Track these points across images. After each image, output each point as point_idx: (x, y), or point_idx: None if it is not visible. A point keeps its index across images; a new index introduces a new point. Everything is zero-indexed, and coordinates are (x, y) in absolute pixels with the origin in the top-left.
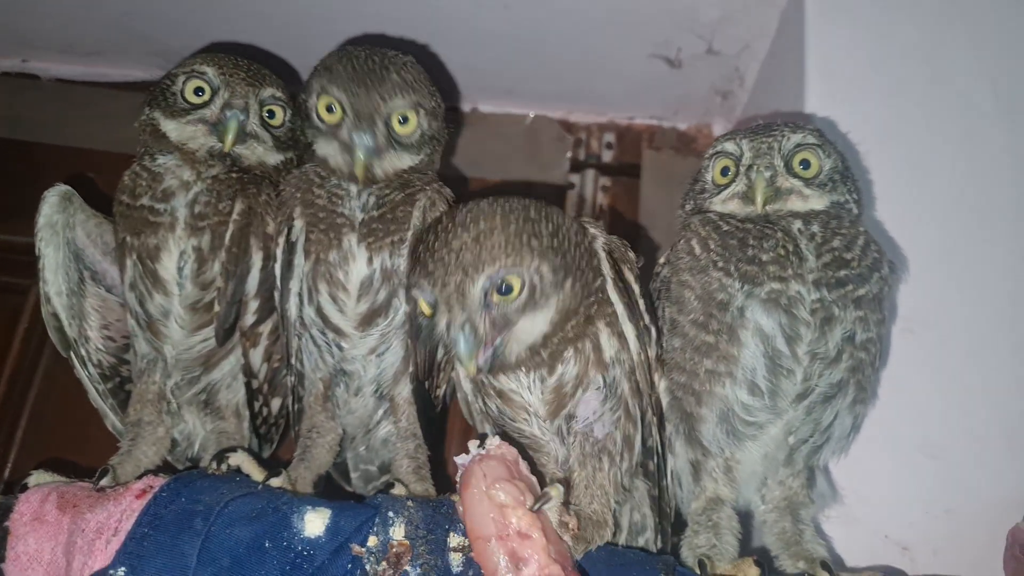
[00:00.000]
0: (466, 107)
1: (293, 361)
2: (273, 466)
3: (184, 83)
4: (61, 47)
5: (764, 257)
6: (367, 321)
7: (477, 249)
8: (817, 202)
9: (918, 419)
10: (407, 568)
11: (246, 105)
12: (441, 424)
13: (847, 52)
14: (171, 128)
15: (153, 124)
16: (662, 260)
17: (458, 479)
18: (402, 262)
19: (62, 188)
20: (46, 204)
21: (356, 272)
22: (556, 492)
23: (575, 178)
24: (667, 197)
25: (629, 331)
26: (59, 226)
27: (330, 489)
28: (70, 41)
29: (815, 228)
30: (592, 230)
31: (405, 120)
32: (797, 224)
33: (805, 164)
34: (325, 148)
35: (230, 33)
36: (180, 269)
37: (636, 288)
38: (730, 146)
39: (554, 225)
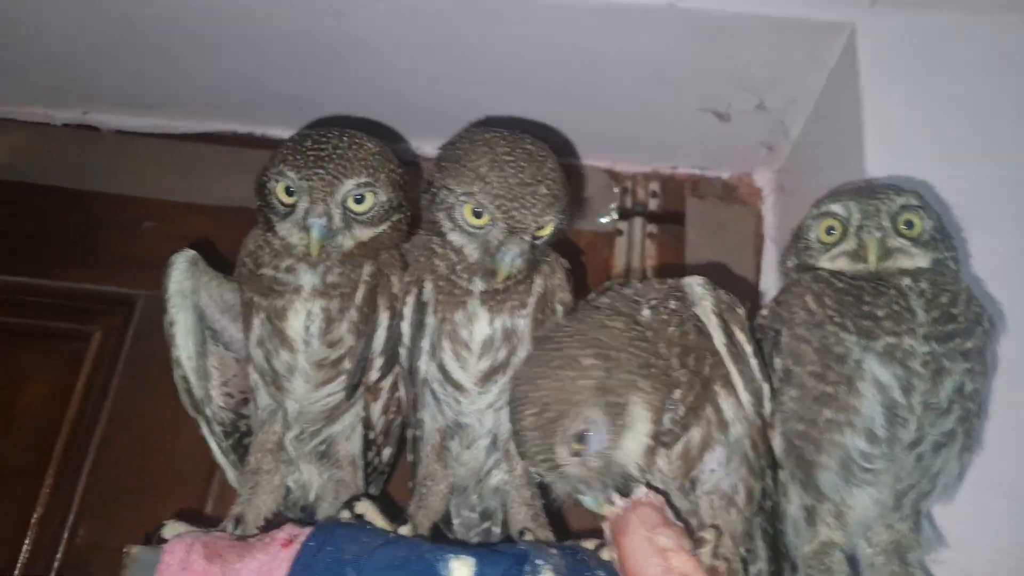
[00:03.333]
0: None
1: (420, 415)
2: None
3: (275, 186)
4: (122, 100)
5: (879, 312)
6: (487, 378)
7: (541, 424)
8: (922, 260)
9: (1004, 464)
10: None
11: (325, 209)
12: None
13: (903, 110)
14: (277, 224)
15: (265, 217)
16: (765, 312)
17: (606, 528)
18: (523, 323)
19: (189, 253)
20: (176, 270)
21: (479, 332)
22: (711, 536)
23: (623, 225)
24: (711, 243)
25: (743, 393)
26: (188, 291)
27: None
28: (131, 94)
29: (924, 285)
30: (698, 289)
31: (543, 228)
32: (906, 281)
33: (909, 224)
34: (460, 240)
35: (291, 87)
36: (307, 328)
37: (749, 348)
38: (837, 208)
39: (598, 349)
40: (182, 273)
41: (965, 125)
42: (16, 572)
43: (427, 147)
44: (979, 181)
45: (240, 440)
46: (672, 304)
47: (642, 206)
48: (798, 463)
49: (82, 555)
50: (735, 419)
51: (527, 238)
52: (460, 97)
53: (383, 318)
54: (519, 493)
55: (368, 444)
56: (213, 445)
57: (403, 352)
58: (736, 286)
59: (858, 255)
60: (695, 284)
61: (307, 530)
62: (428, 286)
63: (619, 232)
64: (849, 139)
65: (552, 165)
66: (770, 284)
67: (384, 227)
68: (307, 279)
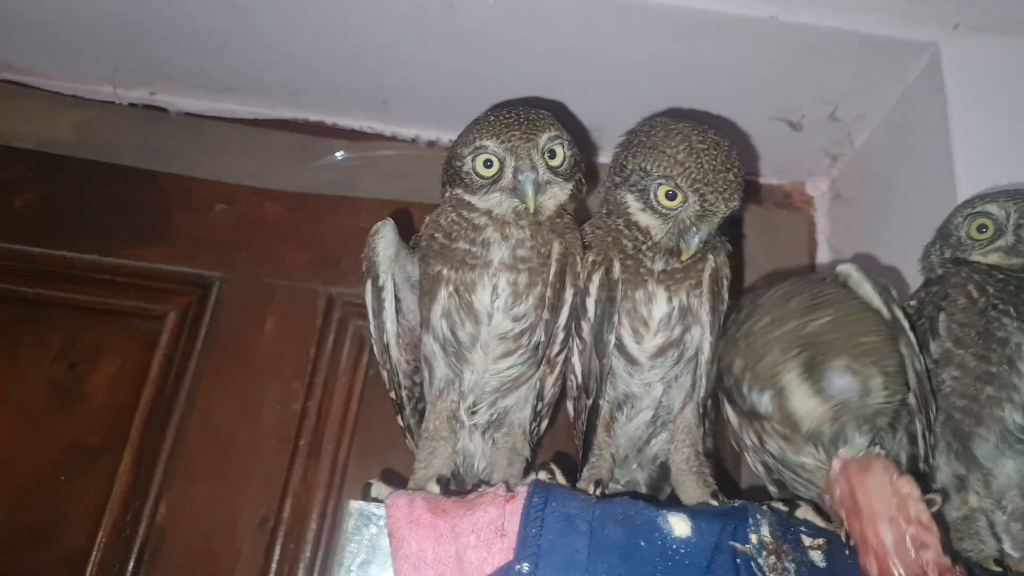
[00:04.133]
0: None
1: (604, 387)
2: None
3: (473, 161)
4: (193, 82)
5: None
6: (660, 353)
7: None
8: None
9: None
10: (787, 564)
11: (532, 163)
12: None
13: (989, 128)
14: (476, 200)
15: (458, 198)
16: (914, 302)
17: (837, 464)
18: (697, 301)
19: (391, 222)
20: (383, 238)
21: (658, 310)
22: (938, 499)
23: None
24: (767, 247)
25: (907, 364)
26: (392, 258)
27: None
28: (200, 76)
29: None
30: (855, 274)
31: (731, 207)
32: None
33: None
34: (648, 220)
35: (375, 71)
36: (493, 301)
37: (907, 324)
38: (994, 208)
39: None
40: (389, 240)
41: None
42: (96, 548)
43: None
44: None
45: (416, 406)
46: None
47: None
48: (955, 434)
49: (162, 533)
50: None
51: (716, 221)
52: (549, 95)
53: (568, 295)
54: (688, 463)
55: (535, 415)
56: (398, 408)
57: (586, 326)
58: None
59: (1015, 251)
60: (851, 270)
61: (523, 488)
62: (616, 264)
63: None
64: (928, 152)
65: (736, 155)
66: None
67: (572, 186)
68: (497, 253)
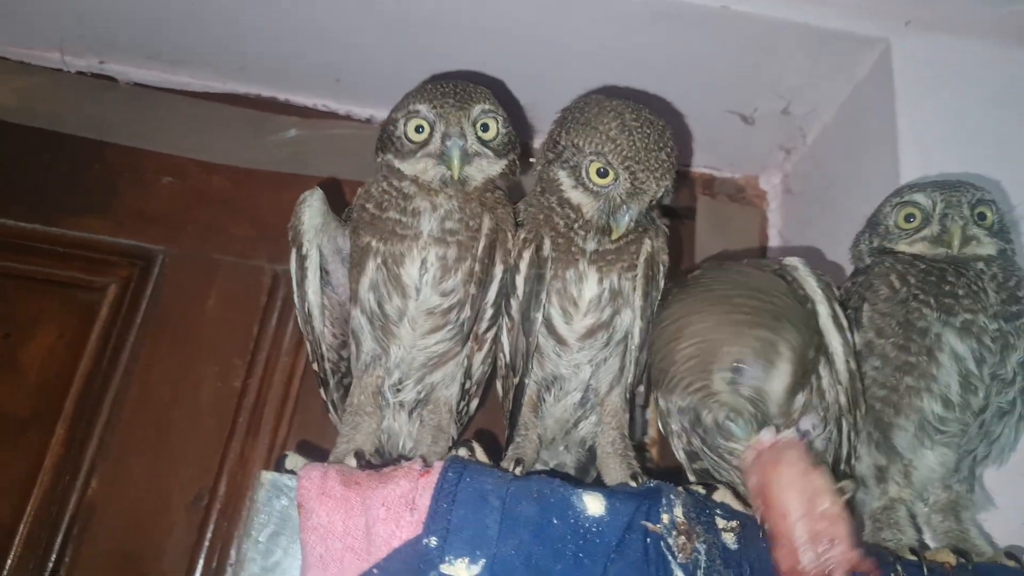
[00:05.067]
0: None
1: (531, 365)
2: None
3: (405, 125)
4: (144, 52)
5: (960, 292)
6: (589, 334)
7: (699, 354)
8: (991, 248)
9: None
10: (697, 544)
11: (462, 131)
12: None
13: (936, 123)
14: (405, 166)
15: (388, 165)
16: (840, 292)
17: (749, 456)
18: (628, 285)
19: (319, 192)
20: (309, 207)
21: (588, 290)
22: (851, 487)
23: None
24: (719, 239)
25: (841, 360)
26: (319, 228)
27: None
28: (152, 47)
29: (995, 270)
30: (802, 268)
31: (660, 191)
32: (980, 265)
33: (982, 216)
34: (580, 198)
35: (328, 49)
36: (421, 276)
37: (845, 321)
38: (920, 197)
39: (746, 288)
40: (315, 210)
41: (992, 150)
42: (25, 520)
43: None
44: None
45: (340, 380)
46: (788, 274)
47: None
48: (876, 425)
49: (93, 507)
50: (829, 386)
51: (646, 200)
52: (491, 85)
53: (498, 271)
54: (613, 445)
55: (463, 393)
56: (321, 382)
57: (514, 304)
58: None
59: (940, 240)
60: (798, 263)
61: (439, 463)
62: (547, 242)
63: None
64: (877, 147)
65: (670, 135)
66: None
67: (504, 164)
68: (427, 224)
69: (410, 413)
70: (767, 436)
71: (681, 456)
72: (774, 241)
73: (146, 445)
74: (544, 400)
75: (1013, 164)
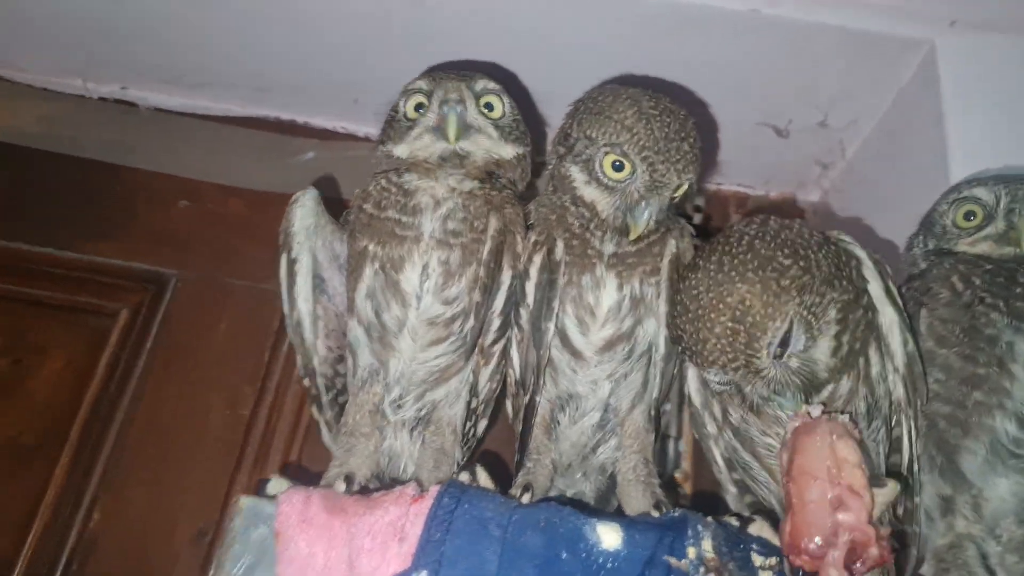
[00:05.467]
0: None
1: (542, 381)
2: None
3: (405, 105)
4: (165, 78)
5: None
6: (608, 347)
7: (741, 328)
8: None
9: None
10: None
11: (461, 97)
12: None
13: (987, 129)
14: (402, 149)
15: (388, 155)
16: (910, 282)
17: (790, 427)
18: (651, 291)
19: (314, 191)
20: (301, 207)
21: (606, 298)
22: (894, 487)
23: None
24: None
25: (897, 340)
26: (311, 230)
27: None
28: (171, 72)
29: None
30: (847, 239)
31: (680, 187)
32: None
33: None
34: (594, 194)
35: (346, 70)
36: (423, 282)
37: (900, 300)
38: (982, 192)
39: (792, 250)
40: (307, 210)
41: None
42: (26, 551)
43: None
44: None
45: (335, 398)
46: (831, 244)
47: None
48: (939, 446)
49: (94, 540)
50: (880, 377)
51: (667, 194)
52: (521, 91)
53: (506, 277)
54: (635, 471)
55: (469, 413)
56: (313, 398)
57: (524, 313)
58: None
59: (1007, 238)
60: (844, 236)
61: (435, 488)
62: (560, 245)
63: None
64: (923, 157)
65: (693, 124)
66: None
67: (512, 150)
68: (428, 224)
69: (411, 432)
70: (816, 411)
71: (720, 466)
72: None
73: (150, 476)
74: (559, 421)
75: None
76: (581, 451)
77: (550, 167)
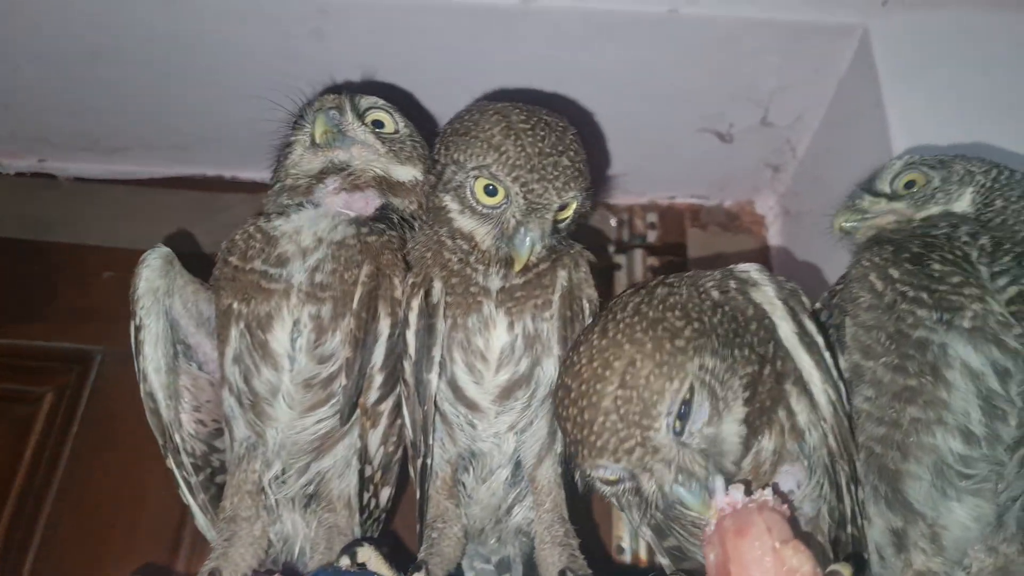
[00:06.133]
0: None
1: (430, 440)
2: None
3: (290, 129)
4: (82, 145)
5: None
6: (506, 394)
7: (633, 395)
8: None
9: None
10: None
11: (338, 105)
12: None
13: (928, 111)
14: (286, 172)
15: (277, 178)
16: (819, 305)
17: (710, 523)
18: (546, 327)
19: (164, 249)
20: (147, 268)
21: (497, 339)
22: (847, 572)
23: (621, 259)
24: None
25: (818, 388)
26: (160, 292)
27: None
28: (89, 138)
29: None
30: (755, 275)
31: (565, 207)
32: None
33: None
34: (471, 224)
35: (264, 121)
36: (294, 340)
37: (820, 340)
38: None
39: (683, 312)
40: (154, 271)
41: (989, 121)
42: None
43: None
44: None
45: (211, 477)
46: (733, 285)
47: (641, 238)
48: (881, 474)
49: None
50: (810, 424)
51: (548, 216)
52: (447, 115)
53: (384, 327)
54: (550, 531)
55: (364, 483)
56: (180, 481)
57: (408, 366)
58: None
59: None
60: (751, 270)
61: None
62: (437, 285)
63: (618, 267)
64: (871, 146)
65: (573, 136)
66: None
67: (405, 173)
68: (298, 272)
69: (303, 510)
70: (733, 496)
71: (645, 534)
72: (777, 271)
73: (89, 562)
74: (463, 483)
75: (1016, 125)
76: (494, 514)
77: (423, 198)
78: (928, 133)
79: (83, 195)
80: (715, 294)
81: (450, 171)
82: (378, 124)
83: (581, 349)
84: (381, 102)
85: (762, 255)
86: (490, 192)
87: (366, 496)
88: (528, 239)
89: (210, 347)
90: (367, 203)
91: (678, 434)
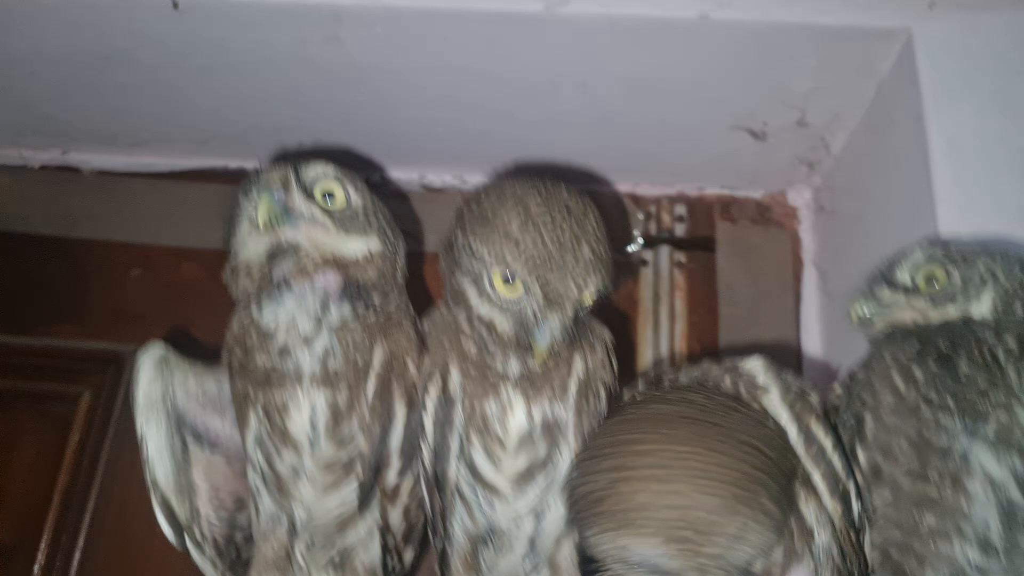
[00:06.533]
0: None
1: (450, 528)
2: None
3: (242, 198)
4: (104, 139)
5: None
6: (525, 478)
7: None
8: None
9: None
10: None
11: (283, 182)
12: None
13: (970, 119)
14: (238, 256)
15: (232, 267)
16: (840, 391)
17: None
18: (564, 411)
19: (156, 353)
20: (142, 375)
21: (515, 424)
22: None
23: (648, 254)
24: (744, 269)
25: (828, 500)
26: (158, 398)
27: None
28: (112, 131)
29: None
30: (761, 378)
31: (586, 291)
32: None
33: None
34: (490, 312)
35: (283, 118)
36: (312, 425)
37: (828, 444)
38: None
39: (745, 456)
40: (149, 378)
41: None
42: None
43: (431, 176)
44: None
45: (239, 556)
46: (743, 390)
47: (668, 232)
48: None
49: None
50: (819, 524)
51: (569, 309)
52: (466, 124)
53: (399, 411)
54: None
55: (387, 550)
56: (206, 568)
57: (426, 452)
58: (775, 319)
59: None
60: (758, 373)
61: None
62: (455, 374)
63: (644, 262)
64: (905, 151)
65: (595, 219)
66: (811, 312)
67: (354, 248)
68: (307, 365)
69: (333, 570)
70: None
71: None
72: (809, 270)
73: (134, 561)
74: (483, 557)
75: None
76: None
77: (441, 270)
78: (968, 147)
79: (107, 189)
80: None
81: (466, 259)
82: (329, 196)
83: (633, 437)
84: (331, 171)
85: (794, 249)
86: (508, 284)
87: (390, 561)
88: (548, 332)
89: (221, 424)
90: (330, 281)
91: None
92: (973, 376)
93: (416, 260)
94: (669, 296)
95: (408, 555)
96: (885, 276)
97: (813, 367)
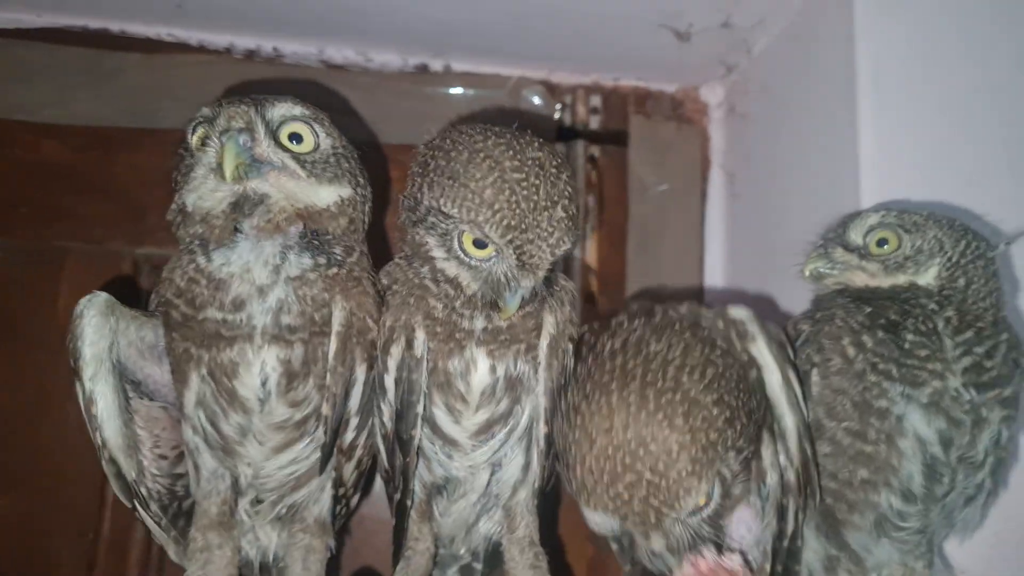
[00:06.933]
0: (438, 65)
1: (411, 485)
2: None
3: (191, 137)
4: None
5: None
6: (484, 431)
7: (662, 484)
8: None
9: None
10: None
11: (246, 124)
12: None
13: (898, 42)
14: (190, 197)
15: (181, 208)
16: (792, 331)
17: None
18: (528, 368)
19: (101, 300)
20: (88, 327)
21: (478, 381)
22: None
23: (561, 148)
24: (656, 166)
25: (794, 442)
26: (104, 352)
27: None
28: None
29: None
30: (750, 327)
31: (559, 254)
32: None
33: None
34: (455, 269)
35: None
36: (263, 384)
37: (798, 389)
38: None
39: (716, 393)
40: (95, 331)
41: (961, 63)
42: None
43: (331, 51)
44: (971, 125)
45: (180, 508)
46: (733, 334)
47: (583, 125)
48: (826, 517)
49: None
50: (771, 466)
51: (541, 273)
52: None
53: (360, 372)
54: (522, 555)
55: (338, 500)
56: (153, 527)
57: (387, 411)
58: (682, 218)
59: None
60: (746, 320)
61: None
62: (419, 335)
63: None
64: (830, 65)
65: (568, 176)
66: (716, 213)
67: (327, 196)
68: (260, 314)
69: (279, 524)
70: (706, 559)
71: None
72: (716, 171)
73: (17, 480)
74: (436, 504)
75: (994, 73)
76: (464, 526)
77: (400, 222)
78: (892, 76)
79: None
80: (720, 343)
81: (433, 215)
82: (296, 138)
83: (612, 402)
84: (298, 110)
85: (703, 149)
86: (479, 245)
87: (338, 507)
88: (519, 295)
89: (159, 373)
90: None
91: (687, 519)
92: (915, 346)
93: None
94: (584, 193)
95: (355, 500)
96: (837, 235)
97: (714, 273)
